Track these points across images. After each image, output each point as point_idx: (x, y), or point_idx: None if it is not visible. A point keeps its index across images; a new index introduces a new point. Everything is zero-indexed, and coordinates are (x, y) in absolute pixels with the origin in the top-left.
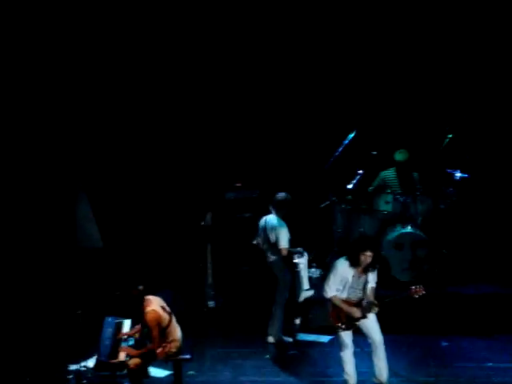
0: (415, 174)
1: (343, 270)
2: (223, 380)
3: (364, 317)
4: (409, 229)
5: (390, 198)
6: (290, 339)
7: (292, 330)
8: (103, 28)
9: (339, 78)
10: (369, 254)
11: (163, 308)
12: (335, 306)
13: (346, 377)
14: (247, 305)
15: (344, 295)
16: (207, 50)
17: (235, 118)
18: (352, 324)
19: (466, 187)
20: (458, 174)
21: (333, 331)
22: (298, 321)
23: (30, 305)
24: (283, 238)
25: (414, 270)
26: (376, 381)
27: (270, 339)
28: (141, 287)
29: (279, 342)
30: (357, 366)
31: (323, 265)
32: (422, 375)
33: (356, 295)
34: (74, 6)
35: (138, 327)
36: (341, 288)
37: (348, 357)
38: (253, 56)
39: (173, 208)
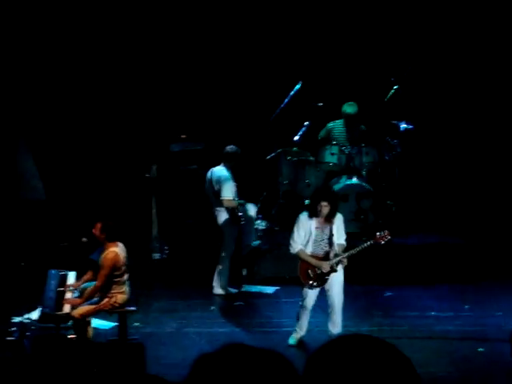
0: (362, 127)
1: (305, 222)
2: (168, 331)
3: (333, 270)
4: (354, 180)
5: (335, 149)
6: (236, 290)
7: (237, 282)
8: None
9: (284, 28)
10: (324, 204)
11: (124, 257)
12: (303, 262)
13: (297, 329)
14: (193, 257)
15: (309, 249)
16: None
17: (180, 70)
18: (322, 280)
19: (410, 138)
20: (403, 125)
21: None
22: (243, 272)
23: None
24: (227, 189)
25: (358, 221)
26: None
27: (216, 291)
28: (110, 224)
29: (225, 293)
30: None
31: (269, 217)
32: (366, 325)
33: (322, 249)
34: None
35: (83, 277)
36: (305, 242)
37: (306, 313)
38: (199, 10)
39: (117, 160)
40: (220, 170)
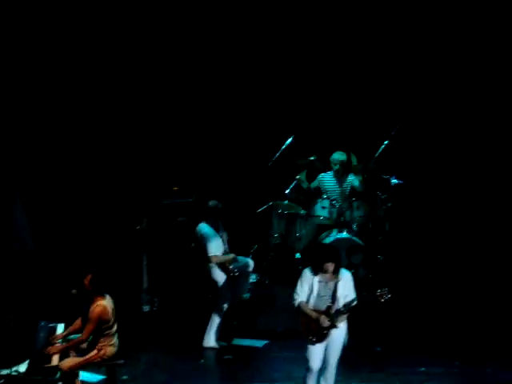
0: (351, 177)
1: (309, 277)
2: None
3: (333, 326)
4: (344, 234)
5: (326, 203)
6: (225, 344)
7: (227, 335)
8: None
9: (277, 82)
10: (330, 264)
11: (112, 310)
12: (304, 316)
13: None
14: (183, 309)
15: (312, 303)
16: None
17: (173, 123)
18: (323, 334)
19: (400, 193)
20: (394, 180)
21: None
22: (233, 325)
23: None
24: (211, 246)
25: None
26: None
27: (207, 344)
28: (98, 277)
29: (216, 346)
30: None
31: (260, 270)
32: (355, 380)
33: (324, 303)
34: None
35: (70, 328)
36: (308, 296)
37: (312, 377)
38: (187, 57)
39: (108, 212)
40: (202, 227)
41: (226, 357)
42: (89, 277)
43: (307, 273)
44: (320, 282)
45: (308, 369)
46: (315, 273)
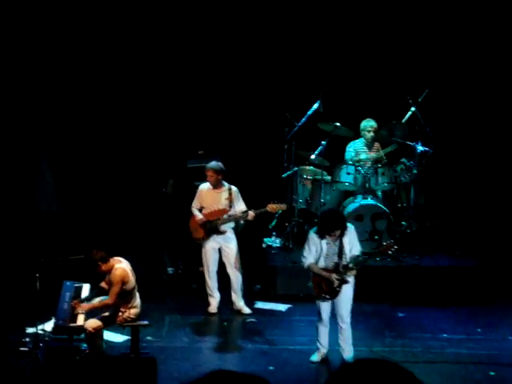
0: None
1: (316, 239)
2: (180, 346)
3: (344, 282)
4: (369, 200)
5: (351, 169)
6: (248, 309)
7: (250, 298)
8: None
9: (305, 46)
10: (338, 231)
11: (131, 271)
12: (315, 275)
13: (319, 346)
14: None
15: (321, 264)
16: (163, 17)
17: (200, 86)
18: (334, 292)
19: (427, 160)
20: (420, 147)
21: (318, 298)
22: (256, 288)
23: None
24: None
25: (373, 241)
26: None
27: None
28: (98, 252)
29: (237, 309)
30: (315, 335)
31: (284, 234)
32: (377, 345)
33: (332, 261)
34: None
35: (95, 291)
36: (317, 257)
37: (324, 329)
38: (214, 21)
39: (135, 174)
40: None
41: (248, 320)
42: (94, 252)
43: (314, 236)
44: (328, 243)
45: (319, 321)
46: (322, 236)
